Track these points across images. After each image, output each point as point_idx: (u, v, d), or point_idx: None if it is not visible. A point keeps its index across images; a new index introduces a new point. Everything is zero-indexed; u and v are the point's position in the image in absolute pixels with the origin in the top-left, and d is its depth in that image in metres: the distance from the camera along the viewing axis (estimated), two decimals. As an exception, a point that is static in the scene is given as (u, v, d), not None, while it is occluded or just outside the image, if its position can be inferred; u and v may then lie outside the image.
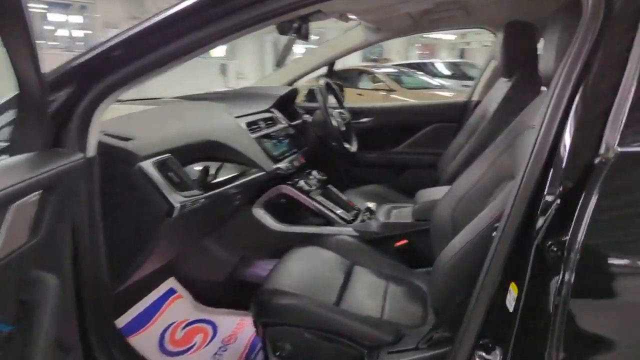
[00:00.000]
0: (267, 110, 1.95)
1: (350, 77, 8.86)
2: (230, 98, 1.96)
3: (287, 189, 1.73)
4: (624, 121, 0.74)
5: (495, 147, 1.40)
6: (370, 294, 1.41)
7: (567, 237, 0.78)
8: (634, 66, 0.75)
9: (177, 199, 1.17)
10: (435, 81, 8.85)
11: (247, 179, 1.49)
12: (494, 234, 1.00)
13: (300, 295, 1.30)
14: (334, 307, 1.30)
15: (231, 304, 1.73)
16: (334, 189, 1.93)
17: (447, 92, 8.16)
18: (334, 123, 2.05)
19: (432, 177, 2.41)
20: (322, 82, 2.06)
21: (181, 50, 0.93)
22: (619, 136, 0.74)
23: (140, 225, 1.18)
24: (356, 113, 2.50)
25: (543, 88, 1.39)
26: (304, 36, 1.67)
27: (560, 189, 0.80)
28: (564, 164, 0.81)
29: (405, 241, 1.64)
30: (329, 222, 1.75)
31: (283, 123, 1.97)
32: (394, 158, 2.50)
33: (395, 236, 1.66)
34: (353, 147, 2.19)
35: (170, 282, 1.76)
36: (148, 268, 1.41)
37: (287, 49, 1.77)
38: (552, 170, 0.82)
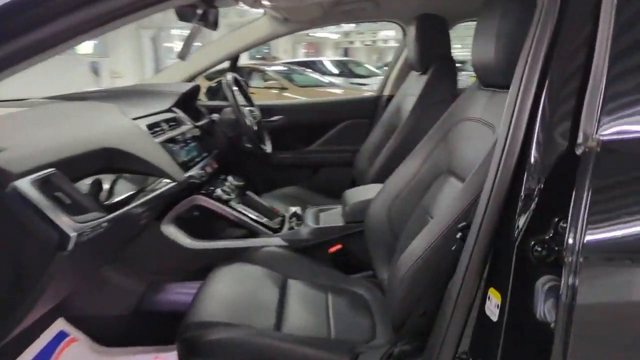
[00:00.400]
0: (169, 110, 1.69)
1: (241, 75, 8.57)
2: (120, 97, 1.66)
3: (201, 199, 1.50)
4: (600, 106, 0.69)
5: (427, 141, 1.35)
6: (312, 310, 1.27)
7: (549, 235, 0.72)
8: (603, 46, 0.70)
9: (71, 225, 0.89)
10: (325, 79, 8.98)
11: (157, 192, 1.25)
12: (458, 235, 0.92)
13: (234, 324, 1.11)
14: (275, 333, 1.13)
15: (143, 339, 1.46)
16: (254, 195, 1.75)
17: (338, 89, 8.34)
18: (247, 122, 1.86)
19: (349, 175, 2.35)
20: (229, 77, 1.86)
21: (27, 48, 0.70)
22: (596, 124, 0.70)
23: (22, 264, 0.88)
24: (265, 111, 2.33)
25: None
26: (212, 24, 1.46)
27: (540, 185, 0.73)
28: (539, 158, 0.75)
29: (339, 246, 1.53)
30: (253, 233, 1.56)
31: (188, 124, 1.73)
32: (307, 157, 2.38)
33: (328, 242, 1.54)
34: (268, 148, 2.02)
35: (59, 324, 1.42)
36: (35, 314, 1.10)
37: (191, 39, 1.53)
38: (527, 165, 0.75)
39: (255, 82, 8.49)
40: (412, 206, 1.34)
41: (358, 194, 1.62)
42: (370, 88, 9.06)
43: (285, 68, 9.15)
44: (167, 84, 1.99)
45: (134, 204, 1.13)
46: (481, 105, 1.16)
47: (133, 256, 1.50)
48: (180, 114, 1.74)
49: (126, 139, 1.23)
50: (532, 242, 0.73)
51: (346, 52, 18.08)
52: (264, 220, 1.59)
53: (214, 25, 1.46)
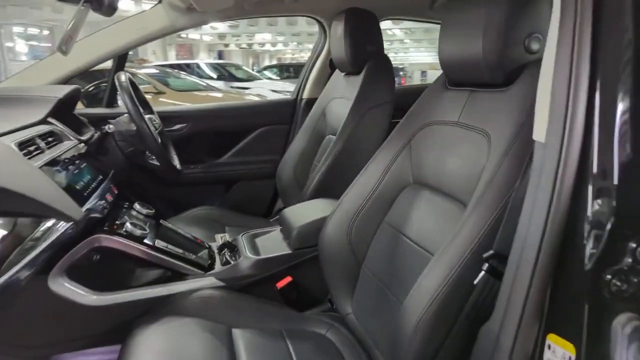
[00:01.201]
0: (43, 122, 1.26)
1: (103, 77, 7.65)
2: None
3: (105, 239, 1.12)
4: None
5: (386, 149, 1.17)
6: (274, 367, 1.01)
7: (627, 264, 0.58)
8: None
9: None
10: (203, 82, 8.48)
11: (47, 242, 0.86)
12: (484, 267, 0.75)
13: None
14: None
15: None
16: (169, 225, 1.40)
17: (219, 93, 7.91)
18: (155, 133, 1.49)
19: (270, 188, 2.10)
20: (123, 77, 1.47)
21: None
22: None
23: None
24: (165, 119, 1.95)
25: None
26: (108, 7, 1.11)
27: (610, 202, 0.59)
28: (603, 170, 0.60)
29: (288, 279, 1.27)
30: (178, 275, 1.23)
31: (71, 139, 1.31)
32: (220, 171, 2.06)
33: (274, 275, 1.27)
34: (177, 163, 1.67)
35: None
36: None
37: (76, 26, 1.15)
38: (590, 179, 0.61)
39: (124, 86, 7.65)
40: (376, 224, 1.15)
41: (301, 214, 1.38)
42: (253, 92, 8.82)
43: (158, 71, 8.41)
44: (35, 88, 1.51)
45: (19, 267, 0.75)
46: (457, 107, 1.01)
47: (10, 327, 1.06)
48: (59, 126, 1.31)
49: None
50: (607, 274, 0.59)
51: (220, 55, 17.47)
52: (192, 256, 1.26)
53: (109, 10, 1.10)
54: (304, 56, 21.72)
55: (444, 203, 0.98)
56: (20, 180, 0.86)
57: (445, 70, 1.04)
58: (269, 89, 9.33)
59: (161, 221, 1.37)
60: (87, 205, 1.08)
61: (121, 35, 1.72)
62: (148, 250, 1.16)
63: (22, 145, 1.03)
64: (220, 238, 1.41)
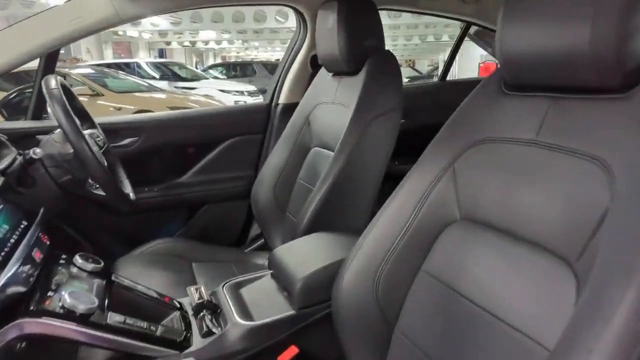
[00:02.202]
0: None
1: (32, 80, 6.88)
2: None
3: (32, 324, 0.76)
4: None
5: (423, 174, 0.90)
6: None
7: None
8: None
9: None
10: (145, 82, 7.88)
11: None
12: None
13: None
14: None
15: None
16: (124, 281, 1.04)
17: (162, 94, 7.37)
18: (95, 154, 1.12)
19: (242, 210, 1.76)
20: (53, 83, 1.10)
21: None
22: None
23: None
24: (109, 132, 1.57)
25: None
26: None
27: None
28: None
29: (293, 350, 0.96)
30: (142, 359, 0.88)
31: (-21, 170, 0.93)
32: (181, 194, 1.70)
33: (275, 345, 0.96)
34: (130, 190, 1.30)
35: None
36: None
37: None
38: None
39: (55, 88, 6.91)
40: (411, 273, 0.88)
41: (302, 257, 1.07)
42: (200, 92, 8.30)
43: (94, 71, 7.71)
44: None
45: None
46: (530, 119, 0.76)
47: None
48: None
49: None
50: None
51: (162, 54, 16.57)
52: (158, 331, 0.91)
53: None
54: (250, 54, 21.13)
55: (523, 252, 0.71)
56: None
57: (507, 68, 0.77)
58: (217, 89, 8.84)
59: (113, 277, 1.01)
60: (2, 279, 0.72)
61: (50, 29, 1.32)
62: (97, 333, 0.81)
63: None
64: (194, 291, 1.07)
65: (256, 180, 1.61)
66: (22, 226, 0.91)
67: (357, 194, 1.30)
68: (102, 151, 1.32)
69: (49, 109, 1.66)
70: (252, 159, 1.77)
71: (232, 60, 18.65)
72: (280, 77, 1.79)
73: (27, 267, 0.81)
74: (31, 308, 0.77)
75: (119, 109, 6.59)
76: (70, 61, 12.00)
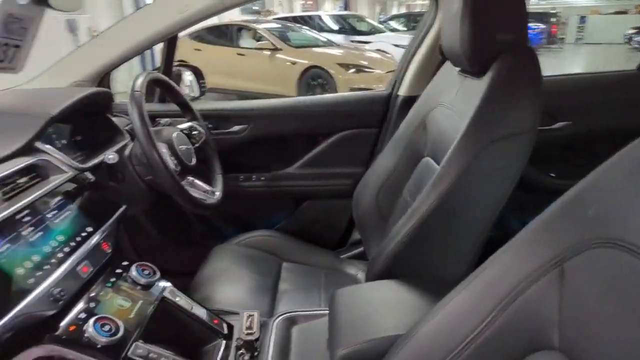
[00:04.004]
0: (25, 151, 0.94)
1: (229, 34, 7.67)
2: None
3: (53, 350, 0.77)
4: None
5: (519, 249, 0.61)
6: None
7: None
8: None
9: None
10: (323, 37, 8.01)
11: None
12: None
13: None
14: None
15: None
16: (177, 298, 1.01)
17: (338, 49, 7.41)
18: (169, 161, 1.10)
19: (346, 211, 1.61)
20: (138, 83, 1.08)
21: None
22: None
23: None
24: (223, 118, 1.56)
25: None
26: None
27: None
28: None
29: None
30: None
31: (64, 171, 0.98)
32: (286, 186, 1.63)
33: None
34: (215, 194, 1.27)
35: None
36: None
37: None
38: None
39: (245, 42, 7.57)
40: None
41: (357, 315, 0.89)
42: (374, 47, 8.11)
43: (279, 25, 8.16)
44: (41, 92, 1.22)
45: None
46: None
47: None
48: (51, 154, 0.98)
49: None
50: None
51: (346, 5, 16.70)
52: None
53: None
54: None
55: None
56: None
57: None
58: (391, 43, 8.49)
59: (165, 294, 0.99)
60: (25, 301, 0.73)
61: (161, 18, 1.33)
62: None
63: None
64: (245, 319, 0.99)
65: (361, 181, 1.43)
66: (84, 233, 0.93)
67: (457, 234, 1.02)
68: (197, 145, 1.31)
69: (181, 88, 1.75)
70: (363, 156, 1.58)
71: (417, 10, 17.71)
72: (404, 64, 1.51)
73: (67, 284, 0.82)
74: (55, 333, 0.78)
75: (294, 63, 6.91)
76: (264, 13, 13.02)
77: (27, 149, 0.95)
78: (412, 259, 1.01)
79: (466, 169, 0.96)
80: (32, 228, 0.83)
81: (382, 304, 0.91)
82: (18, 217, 0.82)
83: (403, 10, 18.13)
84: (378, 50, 7.75)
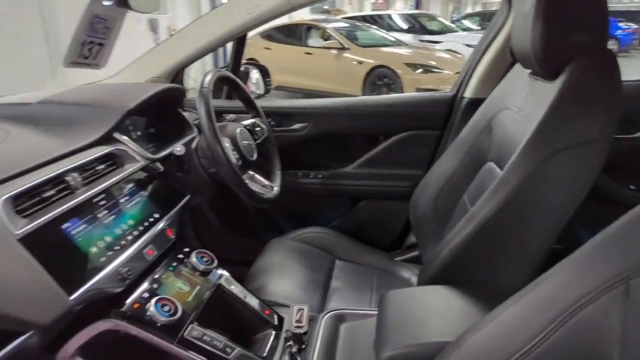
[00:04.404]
0: (104, 140, 1.02)
1: (298, 33, 7.81)
2: (20, 120, 1.01)
3: (118, 325, 0.84)
4: None
5: (582, 265, 0.58)
6: None
7: None
8: None
9: None
10: (392, 36, 7.91)
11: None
12: None
13: None
14: None
15: None
16: (232, 287, 1.06)
17: (407, 49, 7.29)
18: (232, 155, 1.15)
19: (403, 213, 1.59)
20: (207, 79, 1.14)
21: None
22: None
23: None
24: (284, 116, 1.60)
25: None
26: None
27: None
28: None
29: None
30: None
31: (137, 161, 1.06)
32: (343, 185, 1.64)
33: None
34: (274, 190, 1.31)
35: None
36: None
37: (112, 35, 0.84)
38: None
39: (313, 41, 7.67)
40: None
41: (406, 316, 0.88)
42: (444, 47, 7.88)
43: (347, 25, 8.18)
44: (122, 87, 1.31)
45: None
46: None
47: None
48: (127, 145, 1.07)
49: None
50: None
51: (418, 4, 16.36)
52: (234, 354, 0.89)
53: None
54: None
55: None
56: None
57: None
58: (463, 43, 8.21)
59: (222, 282, 1.04)
60: (96, 277, 0.80)
61: (237, 16, 1.39)
62: (170, 346, 0.85)
63: (28, 194, 0.79)
64: (295, 312, 1.02)
65: (420, 183, 1.41)
66: (151, 219, 1.00)
67: (516, 243, 0.98)
68: (259, 141, 1.35)
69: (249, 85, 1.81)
70: (423, 158, 1.55)
71: (494, 8, 16.97)
72: (471, 64, 1.46)
73: (134, 265, 0.89)
74: (121, 309, 0.85)
75: (360, 62, 6.90)
76: (334, 13, 13.08)
77: (105, 139, 1.03)
78: (467, 265, 0.98)
79: (529, 177, 0.91)
80: (106, 211, 0.91)
81: (433, 309, 0.89)
82: (95, 200, 0.90)
83: (478, 9, 17.44)
84: (449, 50, 7.53)
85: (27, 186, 0.78)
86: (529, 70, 1.11)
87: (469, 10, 17.41)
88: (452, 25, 10.50)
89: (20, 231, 0.72)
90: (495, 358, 0.62)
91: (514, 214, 0.94)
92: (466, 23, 11.26)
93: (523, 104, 1.08)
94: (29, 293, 0.69)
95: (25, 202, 0.77)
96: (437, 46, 8.07)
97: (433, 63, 6.64)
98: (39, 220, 0.76)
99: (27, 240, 0.72)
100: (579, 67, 0.90)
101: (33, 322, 0.67)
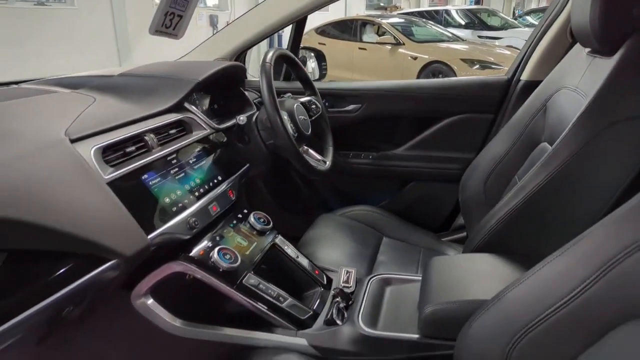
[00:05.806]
0: (176, 108, 1.13)
1: (353, 28, 7.85)
2: (104, 89, 1.14)
3: (187, 267, 0.94)
4: None
5: (626, 216, 0.60)
6: None
7: None
8: None
9: None
10: (448, 32, 7.76)
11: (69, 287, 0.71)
12: None
13: None
14: None
15: None
16: (285, 247, 1.14)
17: (464, 45, 7.13)
18: (289, 127, 1.23)
19: (452, 195, 1.61)
20: (269, 56, 1.22)
21: None
22: None
23: None
24: (338, 97, 1.67)
25: None
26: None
27: None
28: None
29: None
30: (264, 322, 0.97)
31: (204, 129, 1.16)
32: (393, 166, 1.68)
33: (385, 362, 0.89)
34: (326, 163, 1.37)
35: None
36: None
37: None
38: None
39: (368, 36, 7.69)
40: (561, 356, 0.63)
41: (452, 278, 0.91)
42: (503, 43, 7.64)
43: (403, 20, 8.12)
44: (191, 64, 1.43)
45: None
46: None
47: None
48: (196, 114, 1.17)
49: (29, 191, 0.69)
50: None
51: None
52: (286, 305, 0.97)
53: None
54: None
55: None
56: (58, 208, 0.71)
57: None
58: (524, 39, 7.90)
59: (276, 241, 1.12)
60: (169, 223, 0.90)
61: (287, 3, 1.47)
62: (230, 290, 0.94)
63: (114, 148, 0.90)
64: (344, 273, 1.08)
65: (470, 165, 1.43)
66: (215, 180, 1.10)
67: (563, 217, 0.98)
68: (313, 118, 1.42)
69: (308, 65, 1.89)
70: (476, 141, 1.56)
71: (560, 3, 16.09)
72: (528, 46, 1.45)
73: (200, 217, 0.98)
74: (189, 254, 0.95)
75: (415, 58, 6.84)
76: (390, 9, 13.00)
77: (177, 107, 1.14)
78: (512, 237, 1.00)
79: (580, 151, 0.92)
80: (177, 169, 1.01)
81: (475, 273, 0.92)
82: (168, 158, 1.00)
83: (544, 4, 16.65)
84: (509, 47, 7.28)
85: (113, 140, 0.90)
86: (587, 50, 1.10)
87: (533, 6, 16.66)
88: (514, 21, 10.12)
89: (108, 176, 0.83)
90: (533, 310, 0.65)
91: (564, 187, 0.95)
92: (529, 19, 10.81)
93: (580, 82, 1.07)
94: (115, 228, 0.79)
95: (111, 154, 0.89)
96: (497, 42, 7.83)
97: (491, 59, 6.46)
98: (123, 170, 0.87)
99: (114, 185, 0.83)
100: (638, 41, 0.89)
101: (117, 252, 0.77)
